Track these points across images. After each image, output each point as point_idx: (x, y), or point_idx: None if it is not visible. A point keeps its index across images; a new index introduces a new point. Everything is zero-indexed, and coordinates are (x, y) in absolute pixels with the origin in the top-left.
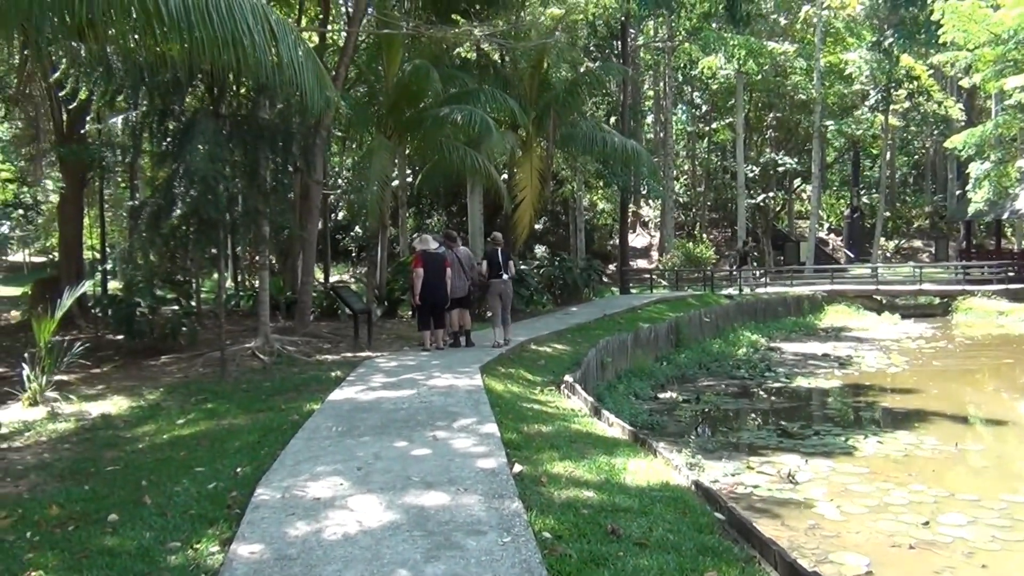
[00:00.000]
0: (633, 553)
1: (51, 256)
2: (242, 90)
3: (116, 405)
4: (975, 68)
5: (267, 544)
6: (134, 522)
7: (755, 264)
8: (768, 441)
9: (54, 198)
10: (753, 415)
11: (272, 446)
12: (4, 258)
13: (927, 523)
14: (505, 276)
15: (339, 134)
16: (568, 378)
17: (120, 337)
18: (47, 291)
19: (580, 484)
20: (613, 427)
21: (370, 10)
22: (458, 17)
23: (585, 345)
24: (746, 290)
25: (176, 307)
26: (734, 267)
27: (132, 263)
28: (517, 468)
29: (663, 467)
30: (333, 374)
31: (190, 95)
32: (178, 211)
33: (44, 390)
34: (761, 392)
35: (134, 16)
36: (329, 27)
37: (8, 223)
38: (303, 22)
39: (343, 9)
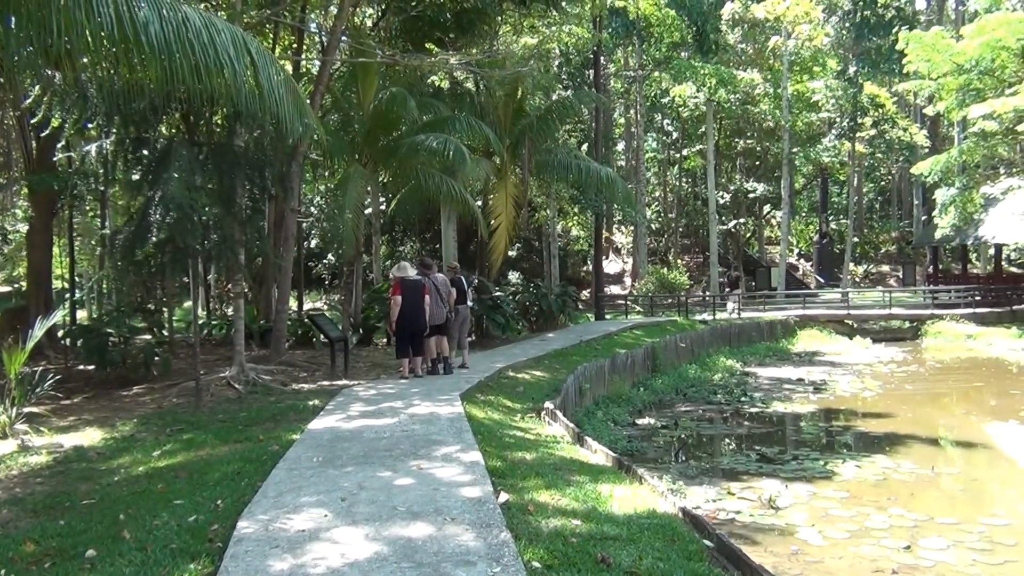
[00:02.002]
0: None
1: (17, 285)
2: (216, 118)
3: (89, 437)
4: (939, 97)
5: None
6: (113, 558)
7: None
8: (747, 466)
9: (22, 227)
10: (731, 440)
11: (252, 477)
12: None
13: (908, 547)
14: (469, 303)
15: (317, 157)
16: (548, 404)
17: (91, 367)
18: (15, 321)
19: (567, 512)
20: (596, 454)
21: (344, 38)
22: (432, 46)
23: (563, 371)
24: (734, 315)
25: (148, 336)
26: (726, 291)
27: (106, 292)
28: (503, 497)
29: (649, 494)
30: (311, 403)
31: (164, 123)
32: (153, 239)
33: (14, 422)
34: (735, 418)
35: (113, 46)
36: (303, 56)
37: None
38: (277, 51)
39: (317, 39)
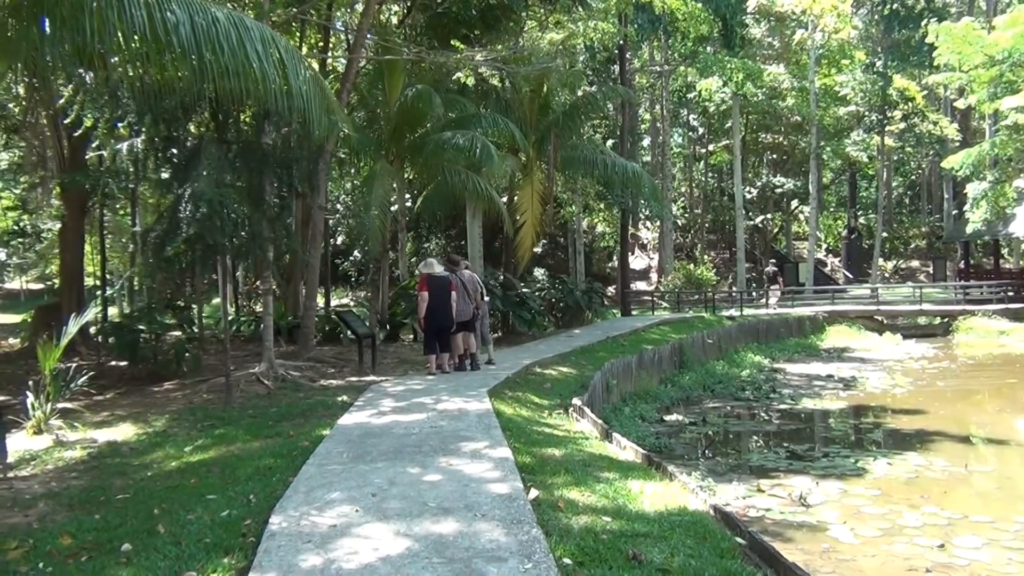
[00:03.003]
0: None
1: (50, 283)
2: (244, 116)
3: (123, 432)
4: (970, 89)
5: (284, 573)
6: (148, 551)
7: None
8: (777, 463)
9: (54, 225)
10: (760, 437)
11: (284, 472)
12: (1, 286)
13: (942, 546)
14: (487, 298)
15: (343, 155)
16: (576, 401)
17: (123, 364)
18: (49, 318)
19: (597, 509)
20: (625, 450)
21: (370, 36)
22: (458, 43)
23: (590, 368)
24: (776, 309)
25: (179, 333)
26: (765, 285)
27: (137, 289)
28: (533, 493)
29: (679, 491)
30: (340, 399)
31: (194, 122)
32: (183, 236)
33: (48, 418)
34: (763, 415)
35: (144, 47)
36: (330, 54)
37: (5, 251)
38: (304, 49)
39: (343, 37)
